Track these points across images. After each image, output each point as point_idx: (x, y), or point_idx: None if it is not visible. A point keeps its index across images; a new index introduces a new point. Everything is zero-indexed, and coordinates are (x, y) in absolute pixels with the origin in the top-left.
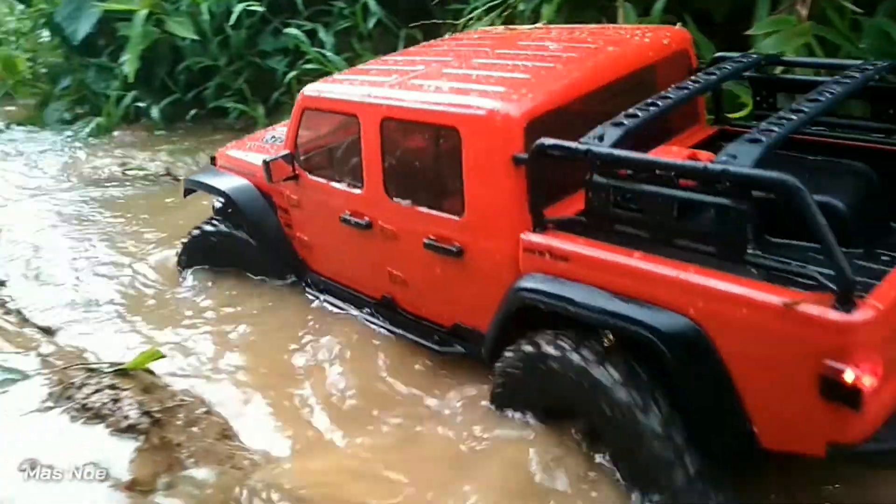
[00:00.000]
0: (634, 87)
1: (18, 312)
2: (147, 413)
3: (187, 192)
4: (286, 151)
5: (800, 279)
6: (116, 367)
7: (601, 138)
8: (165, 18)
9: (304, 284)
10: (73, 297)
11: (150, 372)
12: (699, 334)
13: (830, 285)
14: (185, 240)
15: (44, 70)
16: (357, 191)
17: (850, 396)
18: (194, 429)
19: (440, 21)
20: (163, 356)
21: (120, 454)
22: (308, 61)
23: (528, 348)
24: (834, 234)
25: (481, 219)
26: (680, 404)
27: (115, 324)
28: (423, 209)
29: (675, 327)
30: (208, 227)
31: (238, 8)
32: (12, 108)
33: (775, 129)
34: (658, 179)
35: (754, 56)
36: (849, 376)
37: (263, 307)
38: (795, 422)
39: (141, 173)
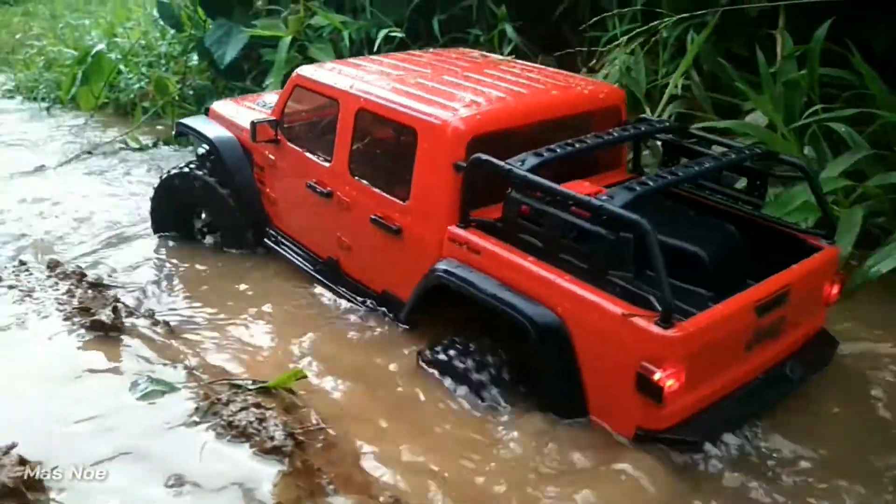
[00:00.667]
0: (569, 126)
1: (166, 324)
2: (291, 435)
3: (178, 133)
4: (273, 118)
5: (646, 302)
6: (260, 385)
7: (522, 162)
8: (308, 45)
9: (263, 238)
10: (215, 310)
11: (291, 391)
12: (561, 326)
13: (658, 307)
14: (159, 180)
15: (191, 91)
16: (326, 164)
17: (656, 393)
18: (332, 453)
19: (578, 49)
20: (305, 376)
21: (264, 476)
22: None
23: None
24: (696, 277)
25: (421, 207)
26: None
27: (248, 336)
28: (376, 190)
29: (544, 319)
30: (184, 169)
31: (380, 34)
32: (161, 126)
33: (650, 182)
34: (557, 204)
35: (666, 123)
36: (657, 377)
37: None
38: (615, 404)
39: None
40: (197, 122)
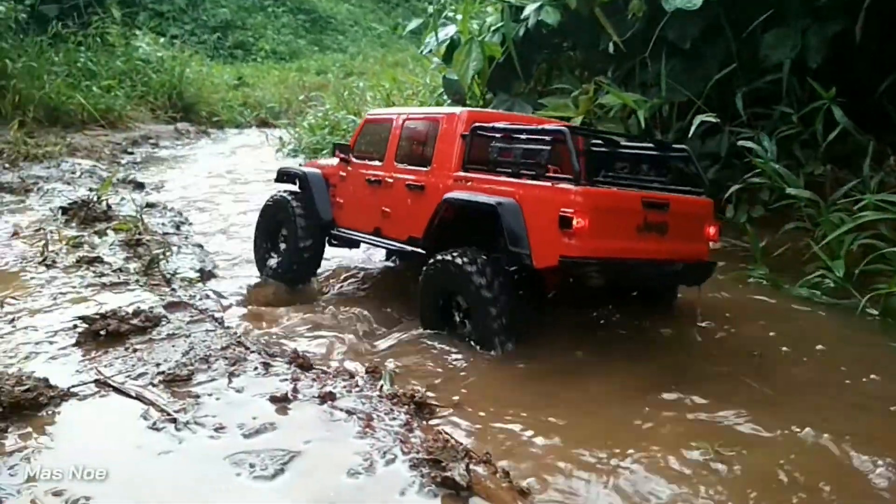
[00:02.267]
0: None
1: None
2: None
3: (278, 178)
4: (347, 144)
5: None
6: None
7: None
8: (597, 123)
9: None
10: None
11: None
12: (517, 206)
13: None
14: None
15: None
16: (379, 163)
17: (569, 225)
18: None
19: None
20: None
21: None
22: (751, 170)
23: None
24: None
25: (438, 167)
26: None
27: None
28: (411, 167)
29: (509, 204)
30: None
31: (696, 120)
32: None
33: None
34: (516, 141)
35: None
36: (569, 213)
37: None
38: (547, 245)
39: None
40: (291, 169)
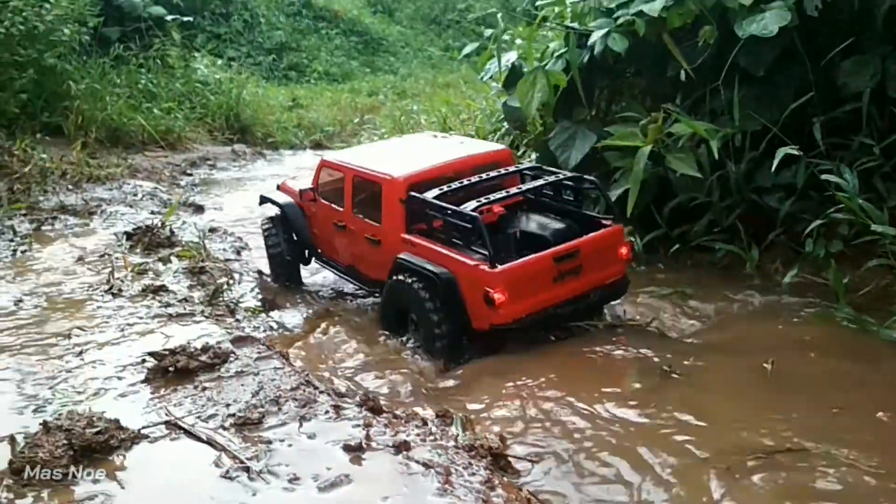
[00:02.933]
0: (473, 172)
1: None
2: None
3: (261, 202)
4: (311, 186)
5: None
6: None
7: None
8: (665, 153)
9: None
10: None
11: None
12: (452, 277)
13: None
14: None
15: None
16: (340, 209)
17: (492, 303)
18: None
19: None
20: None
21: None
22: (829, 202)
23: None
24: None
25: (387, 226)
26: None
27: None
28: (367, 220)
29: (445, 274)
30: (266, 225)
31: (780, 153)
32: None
33: (492, 197)
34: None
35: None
36: (490, 293)
37: None
38: (480, 313)
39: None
40: (272, 194)
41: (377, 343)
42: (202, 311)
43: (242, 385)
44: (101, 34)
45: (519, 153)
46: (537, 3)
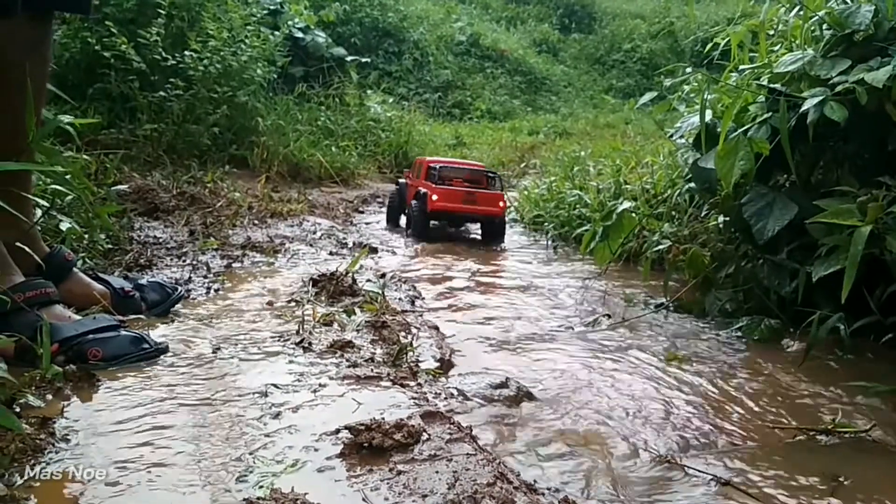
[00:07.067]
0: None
1: None
2: None
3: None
4: (409, 176)
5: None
6: None
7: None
8: (886, 234)
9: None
10: None
11: None
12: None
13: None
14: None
15: (707, 252)
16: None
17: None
18: None
19: None
20: None
21: None
22: None
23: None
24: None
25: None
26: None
27: None
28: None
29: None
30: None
31: None
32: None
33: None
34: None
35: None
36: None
37: None
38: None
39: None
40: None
41: (553, 410)
42: (388, 375)
43: (437, 473)
44: (287, 73)
45: (702, 214)
46: (740, 68)
